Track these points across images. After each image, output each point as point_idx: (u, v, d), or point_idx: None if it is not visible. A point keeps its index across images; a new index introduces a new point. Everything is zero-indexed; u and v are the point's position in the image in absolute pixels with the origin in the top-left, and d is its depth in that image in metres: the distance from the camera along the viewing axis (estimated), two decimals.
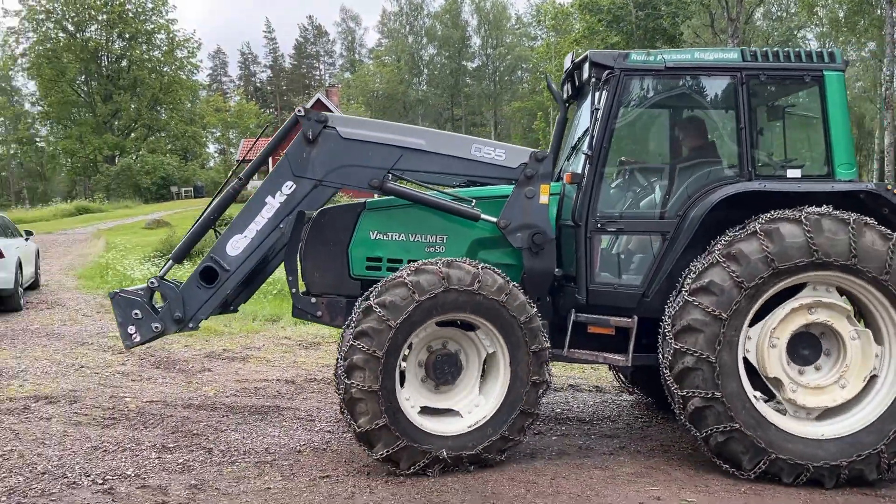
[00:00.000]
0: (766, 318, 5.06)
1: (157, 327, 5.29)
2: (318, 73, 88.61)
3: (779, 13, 45.27)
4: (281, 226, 5.38)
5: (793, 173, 5.42)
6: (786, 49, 5.43)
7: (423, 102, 74.90)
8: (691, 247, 5.20)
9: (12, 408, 6.90)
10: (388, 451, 4.92)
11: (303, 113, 5.41)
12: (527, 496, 4.73)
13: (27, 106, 61.40)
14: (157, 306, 5.36)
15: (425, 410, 5.19)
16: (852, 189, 5.18)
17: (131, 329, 5.29)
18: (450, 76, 74.29)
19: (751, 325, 5.02)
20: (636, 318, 5.35)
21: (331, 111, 41.03)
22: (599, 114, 5.37)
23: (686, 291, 4.95)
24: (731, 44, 31.85)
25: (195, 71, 59.59)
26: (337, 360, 5.31)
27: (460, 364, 5.29)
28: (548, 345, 5.18)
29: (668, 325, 5.03)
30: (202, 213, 5.65)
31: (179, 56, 57.39)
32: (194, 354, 9.36)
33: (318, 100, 42.05)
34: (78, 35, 54.08)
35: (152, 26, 55.57)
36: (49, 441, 5.94)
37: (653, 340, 5.30)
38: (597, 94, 5.46)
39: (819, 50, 5.45)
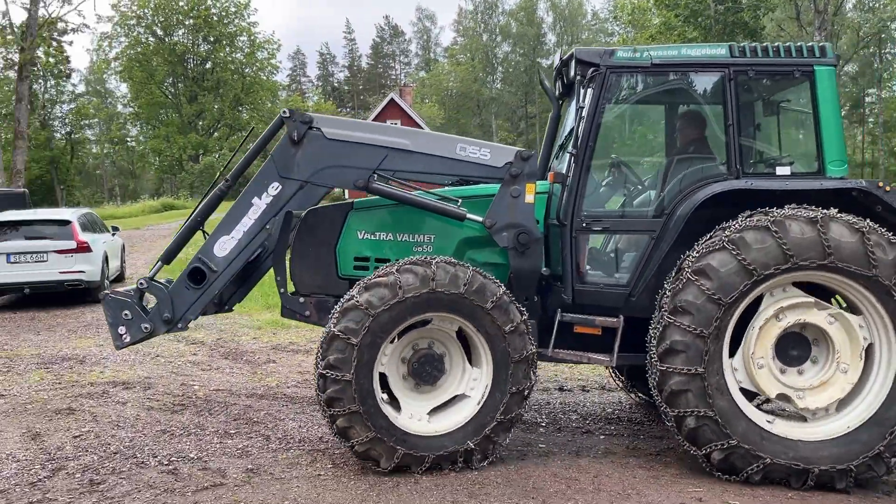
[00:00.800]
0: (742, 344, 4.99)
1: (146, 328, 5.31)
2: (394, 72, 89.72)
3: (871, 3, 43.19)
4: (267, 227, 5.40)
5: (782, 170, 5.33)
6: (775, 44, 5.29)
7: (497, 100, 74.79)
8: (678, 245, 5.14)
9: (92, 392, 7.41)
10: (364, 448, 4.96)
11: (287, 114, 5.40)
12: (567, 492, 4.80)
13: (119, 107, 64.52)
14: (147, 307, 5.41)
15: (397, 406, 5.23)
16: (842, 187, 5.07)
17: (121, 330, 5.32)
18: (524, 73, 73.96)
19: (731, 354, 4.98)
20: (622, 317, 5.32)
21: (404, 111, 41.61)
22: (585, 112, 5.35)
23: (665, 311, 4.88)
24: (817, 37, 30.59)
25: (275, 72, 61.29)
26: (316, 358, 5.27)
27: (443, 365, 5.28)
28: (530, 347, 5.13)
29: (652, 345, 4.98)
30: (190, 215, 5.73)
31: (260, 57, 59.11)
32: (261, 346, 9.76)
33: (392, 99, 42.55)
34: (166, 39, 56.44)
35: (235, 29, 57.42)
36: (123, 424, 6.36)
37: (640, 340, 5.23)
38: (582, 92, 5.42)
39: (810, 44, 5.29)
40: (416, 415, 5.20)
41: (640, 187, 5.94)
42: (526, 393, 5.18)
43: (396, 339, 5.18)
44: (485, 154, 5.50)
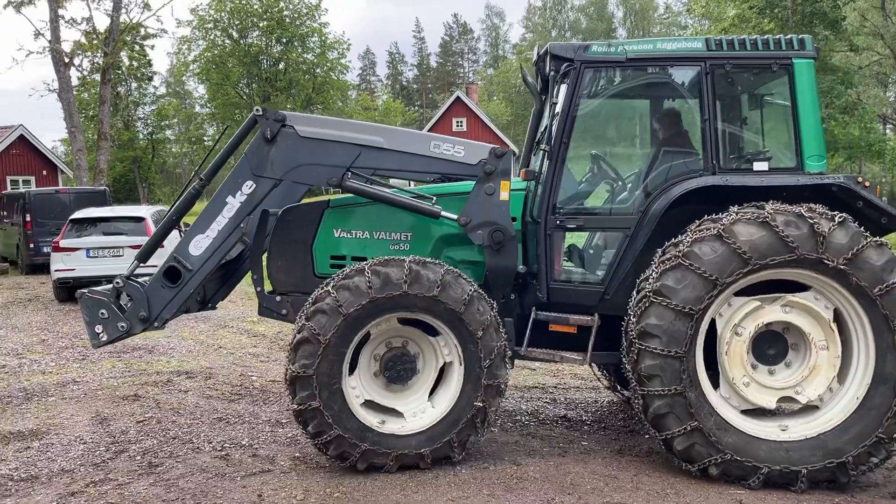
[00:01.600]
0: (720, 375, 4.94)
1: (122, 326, 5.31)
2: (462, 70, 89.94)
3: None
4: (241, 225, 5.36)
5: (759, 166, 5.21)
6: (753, 37, 5.15)
7: None
8: (653, 243, 5.05)
9: (158, 380, 7.79)
10: (321, 438, 4.96)
11: (261, 112, 5.39)
12: (604, 489, 4.80)
13: (197, 108, 66.83)
14: (124, 305, 5.38)
15: (369, 404, 5.20)
16: (819, 182, 4.96)
17: (98, 328, 5.32)
18: None
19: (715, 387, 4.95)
20: (597, 315, 5.26)
21: (469, 108, 41.67)
22: (558, 108, 5.27)
23: (632, 333, 4.82)
24: None
25: (345, 71, 62.27)
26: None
27: (416, 365, 5.26)
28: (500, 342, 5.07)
29: (629, 368, 4.91)
30: (166, 214, 5.72)
31: (331, 58, 60.18)
32: None
33: (458, 97, 42.69)
34: (241, 41, 58.11)
35: (306, 30, 58.61)
36: (183, 411, 6.68)
37: (617, 337, 5.14)
38: (557, 87, 5.34)
39: (789, 37, 5.13)
40: (418, 409, 5.20)
41: (615, 184, 5.87)
42: (500, 389, 5.11)
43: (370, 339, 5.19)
44: (459, 151, 5.46)
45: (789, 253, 4.63)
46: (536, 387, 7.66)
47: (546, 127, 5.53)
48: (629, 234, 5.22)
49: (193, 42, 58.82)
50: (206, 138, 66.74)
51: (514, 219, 5.44)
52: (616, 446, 5.70)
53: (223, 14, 57.67)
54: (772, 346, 4.95)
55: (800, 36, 5.19)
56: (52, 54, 25.75)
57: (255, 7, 57.19)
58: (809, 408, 4.97)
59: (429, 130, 40.57)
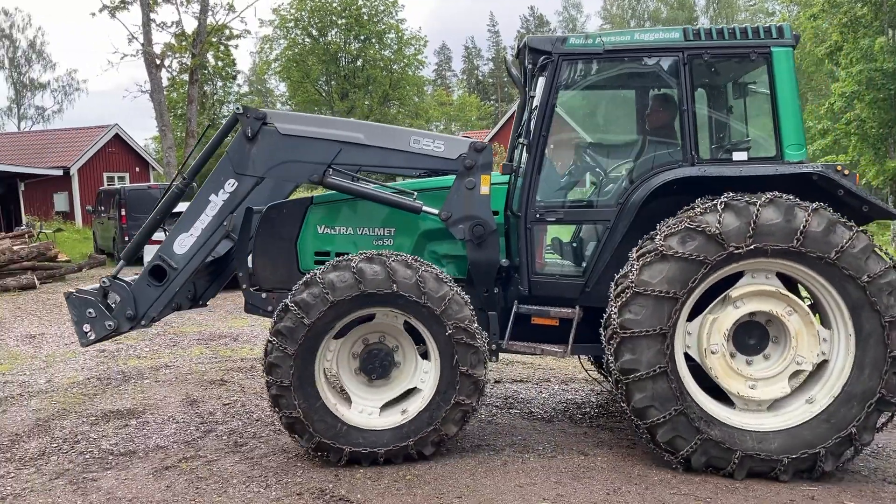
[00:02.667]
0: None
1: (110, 325, 5.34)
2: None
3: None
4: (224, 223, 5.37)
5: (739, 156, 5.15)
6: (731, 26, 5.03)
7: None
8: (633, 235, 5.02)
9: (242, 366, 8.22)
10: (311, 444, 5.07)
11: (241, 111, 5.43)
12: (672, 481, 4.83)
13: (278, 105, 68.70)
14: (112, 304, 5.40)
15: (348, 400, 5.29)
16: (797, 172, 4.88)
17: (86, 328, 5.35)
18: None
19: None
20: (578, 308, 5.25)
21: None
22: (537, 101, 5.24)
23: (614, 327, 4.78)
24: None
25: (421, 67, 62.79)
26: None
27: (394, 358, 5.29)
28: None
29: (611, 360, 4.89)
30: (151, 214, 5.74)
31: (407, 54, 60.78)
32: None
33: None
34: (320, 39, 59.40)
35: (383, 27, 59.39)
36: (265, 395, 7.00)
37: (599, 329, 5.12)
38: (535, 80, 5.29)
39: (767, 25, 5.00)
40: (366, 409, 5.23)
41: (595, 176, 5.81)
42: (478, 383, 5.08)
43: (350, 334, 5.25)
44: (439, 146, 5.46)
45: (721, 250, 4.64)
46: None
47: (525, 120, 5.54)
48: (609, 227, 5.23)
49: (275, 41, 60.45)
50: None
51: (496, 213, 5.43)
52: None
53: (303, 13, 59.06)
54: (753, 338, 4.96)
55: (778, 24, 5.11)
56: (144, 57, 27.06)
57: (335, 6, 58.36)
58: (798, 397, 4.97)
59: (503, 125, 40.55)
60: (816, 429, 4.75)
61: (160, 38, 54.43)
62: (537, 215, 5.34)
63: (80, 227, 29.20)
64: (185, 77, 30.06)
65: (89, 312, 5.35)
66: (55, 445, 5.77)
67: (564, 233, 5.87)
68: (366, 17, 59.29)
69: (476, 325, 5.07)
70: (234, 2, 29.31)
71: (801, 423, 4.80)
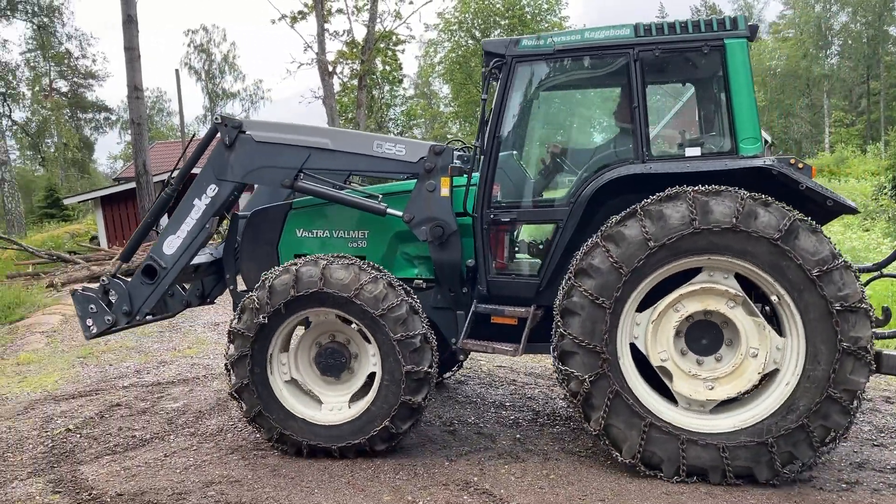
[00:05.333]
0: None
1: (108, 319, 5.77)
2: None
3: None
4: (207, 225, 5.74)
5: (692, 151, 5.01)
6: (684, 20, 4.64)
7: (831, 77, 66.92)
8: (582, 234, 4.98)
9: None
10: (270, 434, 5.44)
11: (219, 120, 5.75)
12: (837, 502, 4.51)
13: (441, 107, 70.54)
14: (112, 301, 5.85)
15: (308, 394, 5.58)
16: (746, 166, 4.74)
17: (89, 322, 5.80)
18: (866, 45, 65.12)
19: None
20: (534, 307, 5.22)
21: None
22: (491, 104, 5.10)
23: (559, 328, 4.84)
24: None
25: None
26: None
27: (346, 358, 5.50)
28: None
29: (554, 359, 4.93)
30: (144, 218, 6.10)
31: None
32: None
33: None
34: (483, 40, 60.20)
35: (547, 25, 59.15)
36: None
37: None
38: (490, 83, 5.16)
39: (721, 17, 4.90)
40: (336, 405, 5.48)
41: (548, 176, 5.66)
42: (420, 378, 5.16)
43: (298, 341, 5.57)
44: (400, 150, 5.60)
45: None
46: None
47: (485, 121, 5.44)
48: (562, 226, 5.15)
49: (439, 44, 62.07)
50: (448, 136, 70.09)
51: (466, 213, 5.45)
52: (856, 459, 5.27)
53: (467, 15, 60.14)
54: (705, 338, 4.91)
55: (732, 16, 4.82)
56: (318, 65, 28.82)
57: (498, 6, 58.95)
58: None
59: (668, 121, 38.97)
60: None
61: (332, 47, 57.75)
62: (492, 216, 5.35)
63: None
64: (355, 82, 31.67)
65: (91, 308, 5.82)
66: (232, 424, 6.35)
67: (531, 233, 5.85)
68: (529, 17, 59.35)
69: (410, 315, 5.21)
70: (400, 9, 30.49)
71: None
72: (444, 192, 5.45)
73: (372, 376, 5.40)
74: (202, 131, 61.92)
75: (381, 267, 5.50)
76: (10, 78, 36.68)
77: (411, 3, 35.06)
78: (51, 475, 5.39)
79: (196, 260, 5.99)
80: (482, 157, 5.34)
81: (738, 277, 4.81)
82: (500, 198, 5.43)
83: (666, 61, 5.14)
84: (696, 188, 4.68)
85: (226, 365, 5.52)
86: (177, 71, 27.96)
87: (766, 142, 44.18)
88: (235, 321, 5.44)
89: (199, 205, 5.80)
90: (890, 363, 4.76)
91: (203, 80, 59.85)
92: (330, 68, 29.04)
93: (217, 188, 5.79)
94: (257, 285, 5.43)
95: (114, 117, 58.77)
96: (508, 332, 5.34)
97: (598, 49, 5.16)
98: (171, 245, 5.79)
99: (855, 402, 4.57)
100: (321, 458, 5.42)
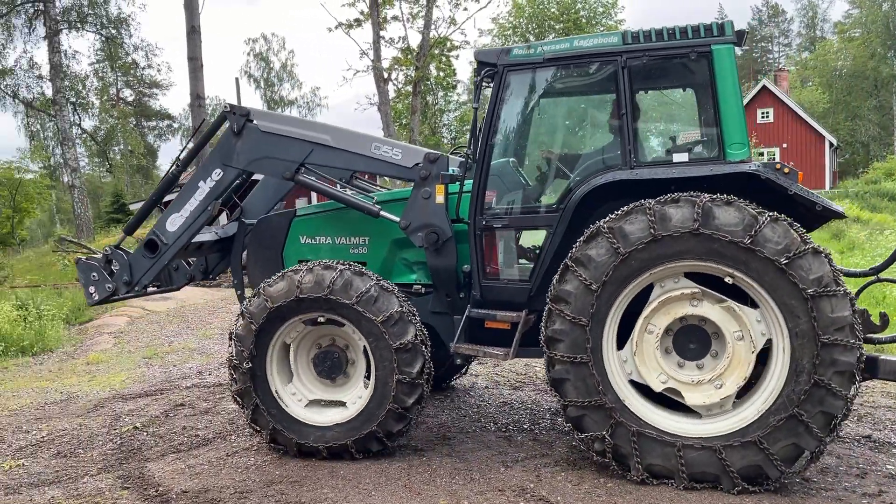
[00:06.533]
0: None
1: (109, 287, 6.04)
2: (771, 56, 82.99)
3: None
4: (209, 208, 5.91)
5: (679, 157, 5.00)
6: (671, 27, 4.56)
7: None
8: (571, 239, 4.95)
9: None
10: (270, 436, 5.60)
11: (228, 109, 5.88)
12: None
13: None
14: (114, 270, 6.11)
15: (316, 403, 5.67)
16: (732, 171, 4.73)
17: (91, 289, 6.09)
18: None
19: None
20: (525, 312, 5.21)
21: (777, 97, 38.16)
22: (482, 112, 5.08)
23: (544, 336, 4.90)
24: None
25: None
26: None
27: (347, 355, 5.62)
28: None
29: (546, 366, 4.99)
30: (150, 195, 6.41)
31: None
32: None
33: (764, 86, 39.58)
34: None
35: (602, 28, 58.57)
36: (473, 393, 7.33)
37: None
38: (480, 92, 5.15)
39: (708, 23, 4.89)
40: (333, 407, 5.61)
41: (539, 183, 5.66)
42: (413, 382, 5.23)
43: (297, 342, 5.65)
44: (396, 154, 5.68)
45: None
46: None
47: (470, 131, 5.44)
48: (552, 232, 5.17)
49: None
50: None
51: (461, 220, 5.49)
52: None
53: (521, 20, 59.97)
54: (691, 341, 4.90)
55: (720, 21, 4.70)
56: (374, 72, 29.17)
57: (552, 10, 58.66)
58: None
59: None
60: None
61: (387, 54, 58.37)
62: (484, 223, 5.37)
63: None
64: (409, 89, 31.93)
65: (93, 276, 6.10)
66: None
67: (522, 239, 5.81)
68: (584, 21, 58.85)
69: (405, 320, 5.28)
70: (455, 15, 30.63)
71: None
72: (440, 199, 5.56)
73: (368, 379, 5.53)
74: None
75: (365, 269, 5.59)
76: (80, 88, 38.14)
77: (465, 9, 35.28)
78: (119, 471, 5.58)
79: (200, 238, 6.26)
80: (475, 164, 5.40)
81: (691, 275, 4.83)
82: (492, 204, 5.52)
83: (654, 68, 5.15)
84: (657, 199, 4.71)
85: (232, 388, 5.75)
86: (237, 79, 28.71)
87: (831, 144, 42.76)
88: (235, 326, 5.66)
89: (204, 187, 6.02)
90: (887, 368, 4.74)
91: (262, 87, 61.10)
92: (385, 75, 29.36)
93: (222, 173, 6.00)
94: (253, 292, 5.64)
95: (175, 125, 60.63)
96: (502, 336, 5.38)
97: (587, 57, 5.22)
98: (174, 223, 6.04)
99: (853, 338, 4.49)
100: (379, 460, 5.48)
